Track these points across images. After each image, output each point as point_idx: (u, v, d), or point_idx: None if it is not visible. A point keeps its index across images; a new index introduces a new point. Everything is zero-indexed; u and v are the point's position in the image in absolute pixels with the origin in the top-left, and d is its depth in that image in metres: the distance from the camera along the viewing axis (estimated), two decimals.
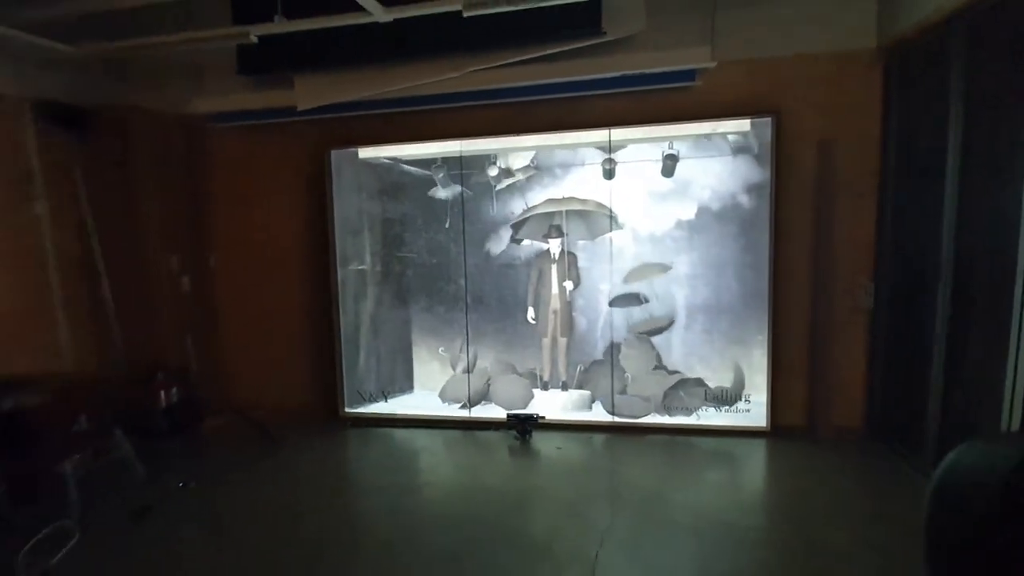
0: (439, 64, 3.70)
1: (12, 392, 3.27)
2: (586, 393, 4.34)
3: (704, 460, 3.47)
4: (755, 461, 3.46)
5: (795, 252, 3.67)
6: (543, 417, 4.06)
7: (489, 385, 4.37)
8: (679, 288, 4.16)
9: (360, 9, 3.02)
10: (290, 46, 3.72)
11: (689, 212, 4.08)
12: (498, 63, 3.61)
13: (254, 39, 3.25)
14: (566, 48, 3.49)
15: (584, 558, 2.47)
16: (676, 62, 3.45)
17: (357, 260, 4.52)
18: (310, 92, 3.92)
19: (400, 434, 4.11)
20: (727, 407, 3.94)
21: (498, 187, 4.30)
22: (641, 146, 3.97)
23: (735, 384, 4.00)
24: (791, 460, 3.42)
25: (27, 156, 3.72)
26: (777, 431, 3.70)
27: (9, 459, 3.18)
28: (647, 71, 3.53)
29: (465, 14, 2.97)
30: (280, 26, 3.17)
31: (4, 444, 3.22)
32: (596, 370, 4.36)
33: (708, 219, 3.99)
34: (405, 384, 4.67)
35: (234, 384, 4.64)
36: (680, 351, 4.17)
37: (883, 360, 3.53)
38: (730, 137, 3.93)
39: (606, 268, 4.21)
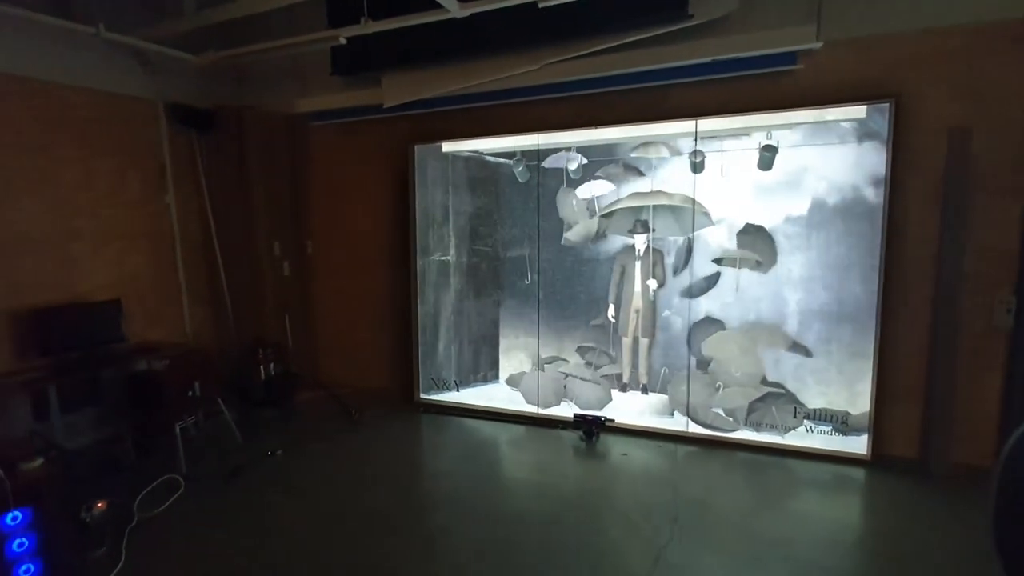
0: (517, 58, 3.67)
1: (146, 356, 3.79)
2: (667, 398, 4.14)
3: (789, 485, 3.15)
4: (851, 493, 3.07)
5: (916, 257, 3.19)
6: (612, 420, 3.93)
7: (566, 385, 4.31)
8: (792, 292, 3.74)
9: (438, 7, 3.08)
10: (377, 47, 3.89)
11: (801, 207, 3.66)
12: (576, 54, 3.50)
13: (343, 40, 3.44)
14: (649, 35, 3.29)
15: None
16: (775, 44, 3.12)
17: (440, 251, 4.65)
18: (395, 90, 4.08)
19: (468, 424, 4.20)
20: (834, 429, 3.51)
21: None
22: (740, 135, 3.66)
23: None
24: (896, 496, 2.99)
25: (161, 152, 4.26)
26: (881, 461, 3.27)
27: (138, 414, 3.71)
28: (741, 55, 3.23)
29: (540, 4, 2.91)
30: (365, 27, 3.32)
31: (135, 400, 3.75)
32: (681, 378, 4.13)
33: (825, 215, 3.54)
34: (490, 374, 4.77)
35: (323, 362, 5.02)
36: (790, 361, 3.74)
37: (1022, 388, 2.97)
38: (843, 124, 3.49)
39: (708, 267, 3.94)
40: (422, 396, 4.59)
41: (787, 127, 3.59)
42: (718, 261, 3.91)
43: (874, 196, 3.45)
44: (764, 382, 3.85)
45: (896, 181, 3.14)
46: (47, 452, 2.23)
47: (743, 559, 2.46)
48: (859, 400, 3.52)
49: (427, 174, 4.48)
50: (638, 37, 3.29)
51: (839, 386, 3.64)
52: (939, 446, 3.16)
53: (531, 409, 4.31)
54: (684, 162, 3.87)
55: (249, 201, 4.59)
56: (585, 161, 4.18)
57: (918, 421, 3.27)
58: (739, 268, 3.90)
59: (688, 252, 4.04)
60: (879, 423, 3.29)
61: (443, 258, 4.68)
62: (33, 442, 2.45)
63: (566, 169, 4.18)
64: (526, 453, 3.70)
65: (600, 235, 4.26)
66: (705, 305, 4.03)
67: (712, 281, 4.00)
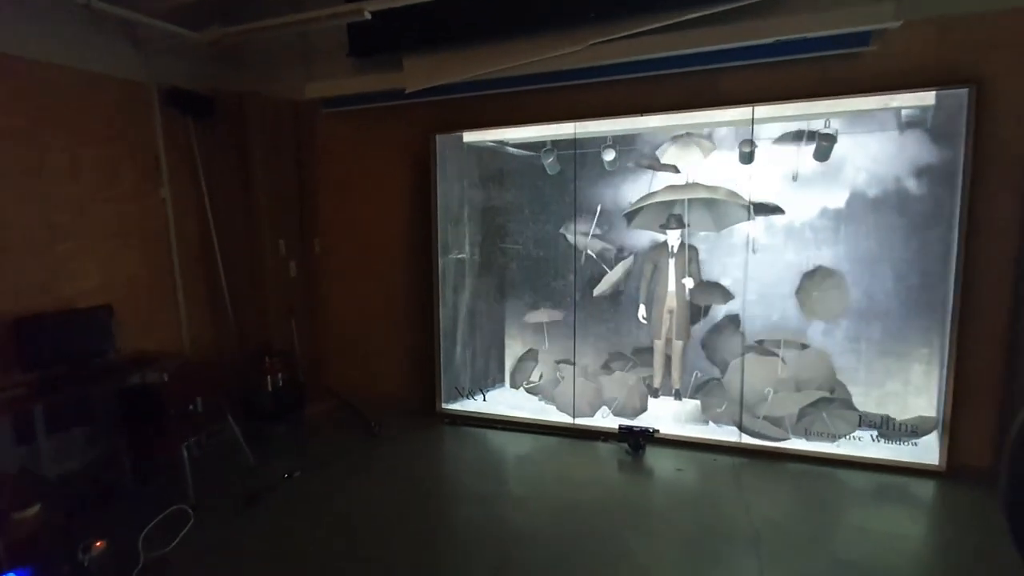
0: (557, 38, 3.35)
1: (142, 369, 3.38)
2: (699, 404, 3.89)
3: (865, 502, 2.90)
4: (935, 509, 2.84)
5: (991, 253, 2.98)
6: (657, 431, 3.65)
7: (600, 390, 4.03)
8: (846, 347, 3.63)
9: None
10: (401, 25, 3.54)
11: (839, 199, 3.54)
12: (626, 33, 3.20)
13: (367, 15, 3.08)
14: (709, 13, 3.01)
15: None
16: (849, 23, 2.86)
17: (457, 248, 4.33)
18: (419, 73, 3.73)
19: (500, 437, 3.87)
20: (892, 439, 3.34)
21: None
22: (774, 124, 3.47)
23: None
24: (987, 511, 2.76)
25: (155, 141, 3.84)
26: (957, 472, 3.05)
27: (135, 434, 3.31)
28: (808, 36, 2.97)
29: None
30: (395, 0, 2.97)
31: (131, 419, 3.35)
32: (714, 386, 3.91)
33: (862, 208, 3.43)
34: (498, 376, 4.49)
35: (334, 370, 4.64)
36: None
37: None
38: (903, 111, 3.30)
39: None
40: (444, 406, 4.25)
41: (848, 115, 3.39)
42: (759, 343, 3.70)
43: (915, 187, 3.33)
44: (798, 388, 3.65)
45: (975, 173, 2.91)
46: (42, 491, 1.85)
47: None
48: (889, 401, 3.42)
49: (445, 167, 4.13)
50: (698, 15, 3.00)
51: (868, 385, 3.51)
52: None
53: (562, 419, 4.00)
54: (724, 155, 3.67)
55: (252, 196, 4.19)
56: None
57: (992, 428, 3.06)
58: (783, 350, 3.72)
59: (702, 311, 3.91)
60: (955, 432, 3.07)
61: (459, 256, 4.36)
62: (24, 481, 2.06)
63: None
64: (571, 470, 3.39)
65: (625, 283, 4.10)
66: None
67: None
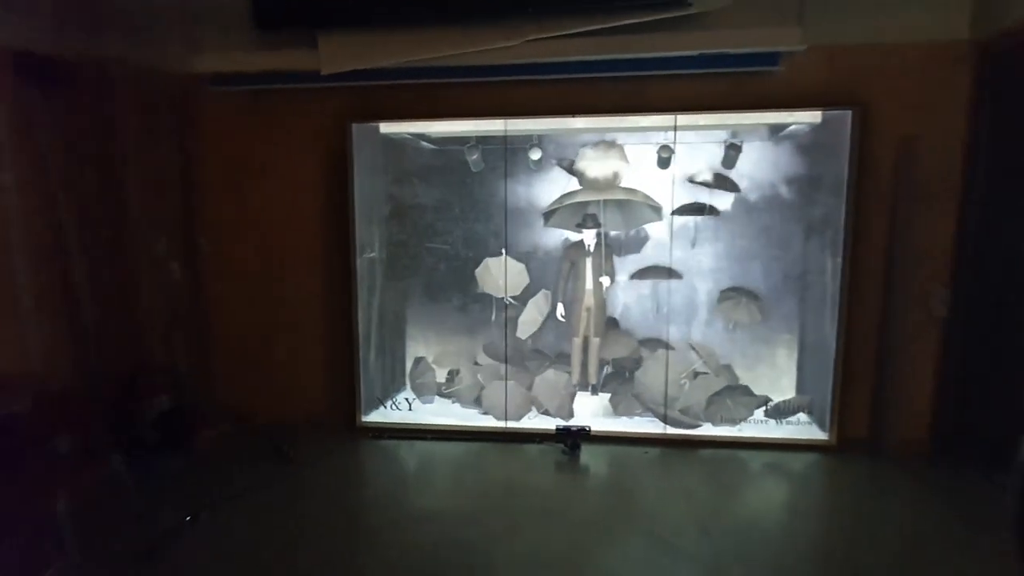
0: (493, 30, 3.24)
1: None
2: (615, 398, 4.07)
3: (787, 481, 3.24)
4: (844, 482, 3.25)
5: (866, 255, 3.45)
6: (590, 428, 3.71)
7: (527, 392, 4.01)
8: (702, 282, 4.07)
9: None
10: None
11: (725, 203, 3.96)
12: (561, 33, 3.19)
13: None
14: (642, 20, 3.10)
15: None
16: (765, 43, 3.12)
17: (368, 247, 4.04)
18: (337, 54, 3.38)
19: (431, 448, 3.67)
20: (783, 418, 3.76)
21: None
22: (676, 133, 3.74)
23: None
24: (887, 478, 3.18)
25: None
26: (845, 445, 3.49)
27: None
28: (730, 52, 3.19)
29: None
30: None
31: None
32: (617, 379, 4.12)
33: (743, 211, 3.89)
34: (400, 381, 4.36)
35: (233, 388, 4.08)
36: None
37: (956, 372, 3.38)
38: (793, 126, 3.74)
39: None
40: (366, 419, 3.93)
41: (747, 128, 3.76)
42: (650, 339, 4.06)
43: (787, 193, 3.84)
44: (695, 377, 3.98)
45: (854, 185, 3.34)
46: None
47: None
48: (761, 381, 3.95)
49: (362, 159, 3.81)
50: (631, 21, 3.08)
51: (743, 369, 4.02)
52: (893, 425, 3.47)
53: (491, 423, 3.92)
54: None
55: (121, 185, 3.52)
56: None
57: (866, 403, 3.56)
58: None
59: None
60: (843, 409, 3.51)
61: (371, 255, 4.08)
62: None
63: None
64: (514, 476, 3.30)
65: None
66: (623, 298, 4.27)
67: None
